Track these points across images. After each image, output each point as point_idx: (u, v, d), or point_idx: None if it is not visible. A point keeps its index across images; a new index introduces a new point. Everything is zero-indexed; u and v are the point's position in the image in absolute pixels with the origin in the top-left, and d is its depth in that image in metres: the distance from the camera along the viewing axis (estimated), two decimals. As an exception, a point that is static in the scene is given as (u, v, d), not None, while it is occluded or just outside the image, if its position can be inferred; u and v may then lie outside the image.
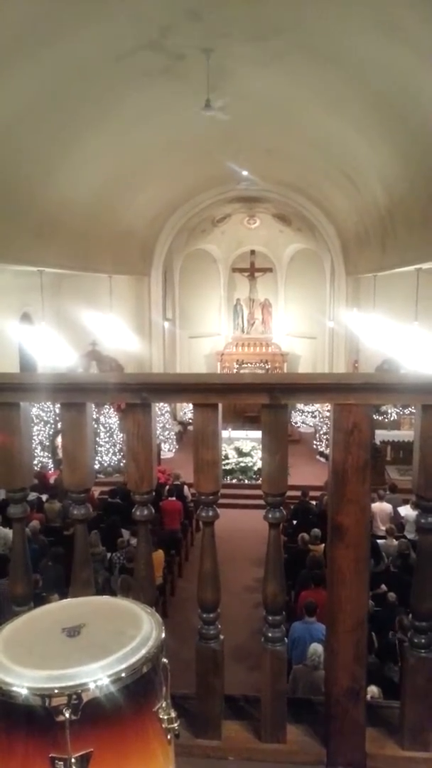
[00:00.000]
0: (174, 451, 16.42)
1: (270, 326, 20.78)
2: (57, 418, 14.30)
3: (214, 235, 19.90)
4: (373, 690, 4.55)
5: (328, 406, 1.87)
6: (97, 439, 14.56)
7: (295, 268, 20.12)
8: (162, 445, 15.71)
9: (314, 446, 16.36)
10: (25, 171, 8.93)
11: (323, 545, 8.09)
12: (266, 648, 1.97)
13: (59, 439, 13.98)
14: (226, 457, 14.44)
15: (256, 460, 14.48)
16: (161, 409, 15.58)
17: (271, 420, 1.86)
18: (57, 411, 14.12)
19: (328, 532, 1.90)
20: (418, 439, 1.83)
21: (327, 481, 2.08)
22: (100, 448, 14.75)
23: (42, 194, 9.89)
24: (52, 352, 13.16)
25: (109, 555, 8.29)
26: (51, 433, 14.54)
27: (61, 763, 0.98)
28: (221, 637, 2.01)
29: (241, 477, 14.65)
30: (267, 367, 19.52)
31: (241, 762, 1.94)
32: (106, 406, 14.91)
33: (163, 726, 1.10)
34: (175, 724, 1.11)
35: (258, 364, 19.60)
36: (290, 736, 1.98)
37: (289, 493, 2.00)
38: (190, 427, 15.91)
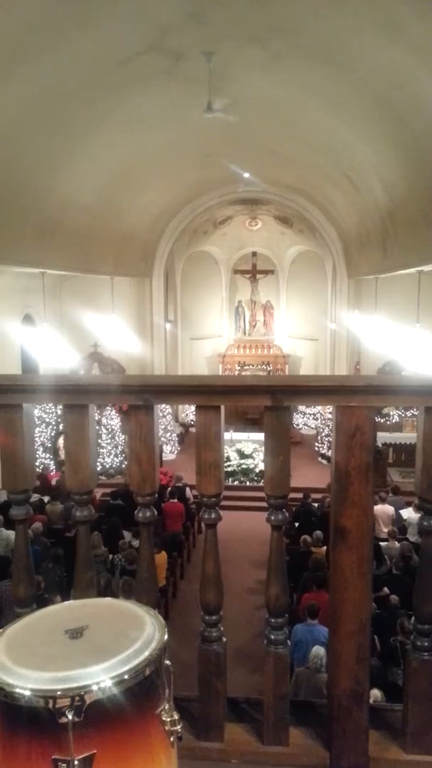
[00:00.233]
0: (176, 452, 16.42)
1: (271, 328, 20.78)
2: (59, 420, 14.32)
3: (215, 237, 19.92)
4: (375, 693, 4.54)
5: (330, 408, 1.87)
6: (99, 440, 14.57)
7: (297, 270, 20.13)
8: (164, 446, 15.71)
9: (316, 448, 16.35)
10: (27, 173, 8.95)
11: (325, 547, 8.08)
12: (269, 650, 1.97)
13: (61, 441, 14.00)
14: (228, 459, 14.43)
15: (258, 462, 14.47)
16: (163, 411, 15.58)
17: (273, 422, 1.86)
18: (59, 412, 14.16)
19: (331, 534, 1.90)
20: (421, 442, 1.83)
21: (329, 484, 2.08)
22: (101, 450, 14.76)
23: (44, 196, 9.91)
24: (54, 354, 13.17)
25: (111, 557, 8.29)
26: (53, 434, 14.55)
27: (64, 765, 0.98)
28: (224, 639, 2.01)
29: (242, 479, 14.64)
30: (269, 369, 19.52)
31: (243, 764, 1.94)
32: (107, 407, 14.92)
33: (166, 728, 1.10)
34: (178, 727, 1.11)
35: (259, 366, 19.59)
36: (293, 739, 1.97)
37: (291, 495, 2.00)
38: (192, 429, 15.92)
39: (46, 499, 10.61)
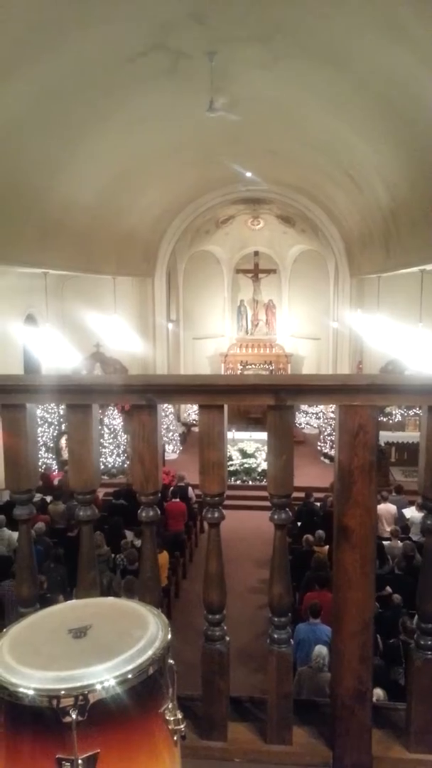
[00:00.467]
0: (178, 452, 16.42)
1: (274, 327, 20.77)
2: (61, 419, 14.35)
3: (217, 237, 19.92)
4: (378, 693, 4.54)
5: (332, 407, 1.87)
6: (101, 440, 14.58)
7: (299, 269, 20.11)
8: (166, 446, 15.72)
9: (318, 447, 16.34)
10: (29, 173, 8.96)
11: (327, 547, 8.07)
12: (272, 650, 1.97)
13: (63, 440, 14.02)
14: (230, 459, 14.42)
15: (260, 461, 14.47)
16: (165, 411, 15.59)
17: (276, 421, 1.86)
18: (61, 412, 14.19)
19: (334, 533, 1.90)
20: (425, 441, 1.83)
21: (332, 483, 2.08)
22: (104, 450, 14.77)
23: (46, 196, 9.91)
24: (56, 354, 13.18)
25: (113, 556, 8.30)
26: (55, 434, 14.57)
27: (68, 764, 0.98)
28: (227, 638, 2.01)
29: (245, 478, 14.64)
30: (271, 368, 19.51)
31: (246, 764, 1.94)
32: (110, 407, 14.93)
33: (170, 727, 1.10)
34: (181, 726, 1.11)
35: (262, 365, 19.59)
36: (296, 738, 1.98)
37: (294, 494, 2.00)
38: (194, 428, 15.91)
39: (48, 498, 10.63)
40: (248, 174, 13.83)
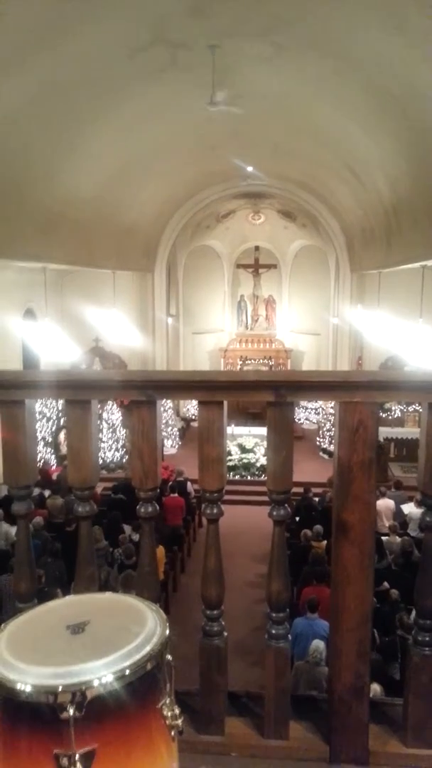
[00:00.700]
0: (177, 447, 16.44)
1: (274, 322, 20.76)
2: (59, 414, 14.35)
3: (218, 231, 19.87)
4: (375, 688, 4.56)
5: (332, 403, 1.87)
6: (100, 435, 14.59)
7: (300, 265, 20.08)
8: (165, 441, 15.73)
9: (317, 443, 16.36)
10: (29, 168, 8.92)
11: (325, 542, 8.09)
12: (270, 645, 1.98)
13: (62, 435, 14.03)
14: (229, 454, 14.44)
15: (259, 457, 14.49)
16: (164, 406, 15.58)
17: (276, 417, 1.86)
18: (60, 407, 14.18)
19: (333, 529, 1.90)
20: (425, 438, 1.83)
21: (330, 478, 2.08)
22: (102, 444, 14.78)
23: (46, 191, 9.88)
24: (56, 349, 13.17)
25: (111, 550, 8.31)
26: (54, 428, 14.57)
27: (66, 759, 0.98)
28: (225, 633, 2.02)
29: (243, 473, 14.66)
30: (271, 363, 19.51)
31: (243, 758, 1.95)
32: (108, 402, 14.93)
33: (167, 722, 1.10)
34: (179, 721, 1.11)
35: (262, 361, 19.58)
36: (293, 733, 1.98)
37: (293, 489, 2.00)
38: (193, 423, 15.93)
39: (46, 493, 10.64)
40: (249, 168, 13.78)
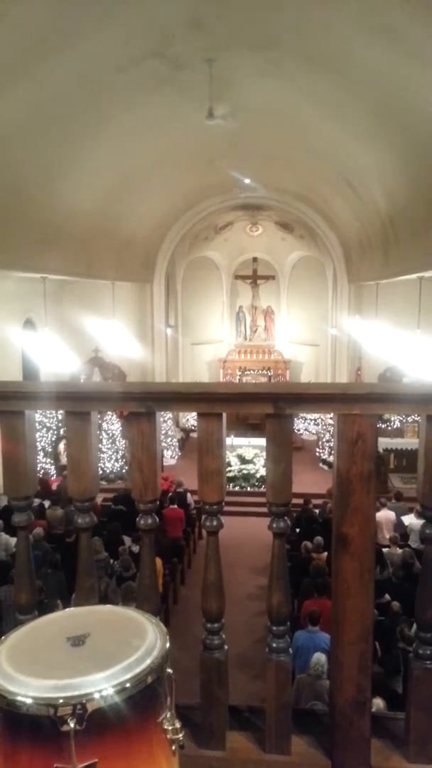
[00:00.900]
0: (176, 457, 16.41)
1: (272, 333, 20.81)
2: (59, 424, 14.32)
3: (216, 243, 19.97)
4: (378, 703, 4.51)
5: (331, 414, 1.87)
6: (100, 446, 14.56)
7: (298, 276, 20.16)
8: (164, 451, 15.70)
9: (317, 454, 16.33)
10: (28, 179, 8.99)
11: (326, 553, 8.05)
12: (270, 658, 1.96)
13: (62, 445, 14.00)
14: (229, 465, 14.41)
15: (259, 467, 14.45)
16: (163, 416, 15.58)
17: (275, 429, 1.86)
18: (60, 417, 14.16)
19: (333, 542, 1.89)
20: (423, 450, 1.83)
21: (330, 489, 2.08)
22: (102, 455, 14.75)
23: (45, 202, 9.94)
24: (55, 359, 13.18)
25: (111, 561, 8.27)
26: (53, 439, 14.55)
27: (66, 773, 0.98)
28: (225, 647, 2.01)
29: (243, 484, 14.61)
30: (269, 374, 19.52)
31: (244, 773, 1.93)
32: (108, 412, 14.92)
33: (168, 737, 1.10)
34: (180, 735, 1.11)
35: (260, 371, 19.60)
36: (295, 748, 1.97)
37: (293, 501, 2.00)
38: (193, 434, 15.91)
39: (46, 503, 10.60)
40: (247, 180, 13.88)
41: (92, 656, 1.08)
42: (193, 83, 7.87)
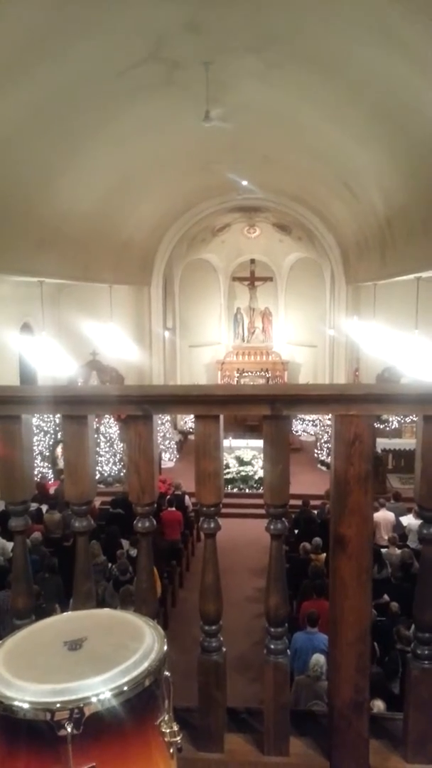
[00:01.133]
0: (174, 460, 16.40)
1: (270, 335, 20.82)
2: (57, 428, 14.30)
3: (214, 245, 19.99)
4: (378, 705, 4.50)
5: (329, 415, 1.87)
6: (98, 449, 14.55)
7: (295, 277, 20.19)
8: (162, 454, 15.69)
9: (315, 455, 16.34)
10: (25, 182, 8.99)
11: (324, 555, 8.05)
12: (268, 660, 1.96)
13: (59, 449, 13.98)
14: (227, 466, 14.40)
15: (257, 469, 14.45)
16: (161, 419, 15.58)
17: (272, 431, 1.86)
18: (57, 421, 14.15)
19: (330, 543, 1.90)
20: (420, 450, 1.83)
21: (327, 490, 2.08)
22: (100, 458, 14.73)
23: (42, 205, 9.95)
24: (53, 363, 13.17)
25: (109, 565, 8.25)
26: (51, 443, 14.53)
27: (64, 777, 0.98)
28: (223, 649, 2.00)
29: (242, 486, 14.61)
30: (267, 375, 19.53)
31: (244, 775, 1.93)
32: (106, 416, 14.91)
33: (166, 739, 1.10)
34: (178, 738, 1.11)
35: (258, 373, 19.61)
36: (293, 749, 1.96)
37: (291, 502, 2.00)
38: (191, 437, 15.91)
39: (44, 508, 10.58)
40: (244, 182, 13.90)
41: (89, 660, 1.07)
42: (190, 85, 7.89)
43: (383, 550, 8.78)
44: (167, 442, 16.30)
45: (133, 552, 8.03)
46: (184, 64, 7.43)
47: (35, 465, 13.37)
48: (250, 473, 14.70)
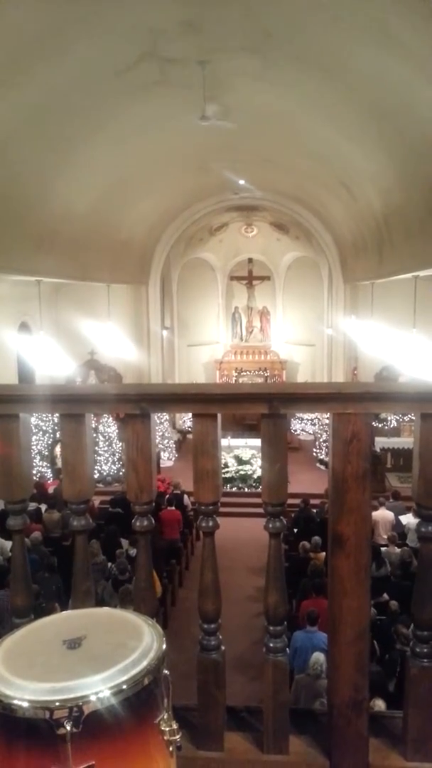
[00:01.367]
0: (173, 459, 16.40)
1: (268, 334, 20.83)
2: (55, 428, 14.30)
3: (211, 244, 19.99)
4: (379, 704, 4.51)
5: (327, 414, 1.88)
6: (96, 448, 14.54)
7: (293, 276, 20.20)
8: (161, 453, 15.69)
9: (314, 454, 16.35)
10: (23, 182, 8.98)
11: (324, 553, 8.06)
12: (268, 658, 1.97)
13: (58, 449, 13.96)
14: (226, 465, 14.41)
15: (256, 468, 14.46)
16: (160, 418, 15.57)
17: (270, 429, 1.86)
18: (56, 420, 14.14)
19: (329, 541, 1.90)
20: (418, 448, 1.83)
21: (326, 489, 2.08)
22: (99, 458, 14.73)
23: (40, 205, 9.94)
24: (51, 362, 13.17)
25: (109, 565, 8.25)
26: (50, 442, 14.52)
27: (63, 776, 0.98)
28: (223, 647, 2.01)
29: (240, 485, 14.61)
30: (266, 374, 19.54)
31: (243, 774, 1.93)
32: (105, 415, 14.91)
33: (165, 738, 1.10)
34: (177, 736, 1.11)
35: (257, 372, 19.62)
36: (293, 748, 1.97)
37: (290, 501, 2.00)
38: (190, 436, 15.91)
39: (43, 507, 10.58)
40: (242, 182, 13.91)
41: (88, 658, 1.07)
42: (186, 85, 7.89)
43: (382, 549, 8.79)
44: (166, 441, 16.30)
45: (133, 551, 8.03)
46: (180, 63, 7.43)
47: (34, 464, 13.40)
48: (249, 472, 14.71)
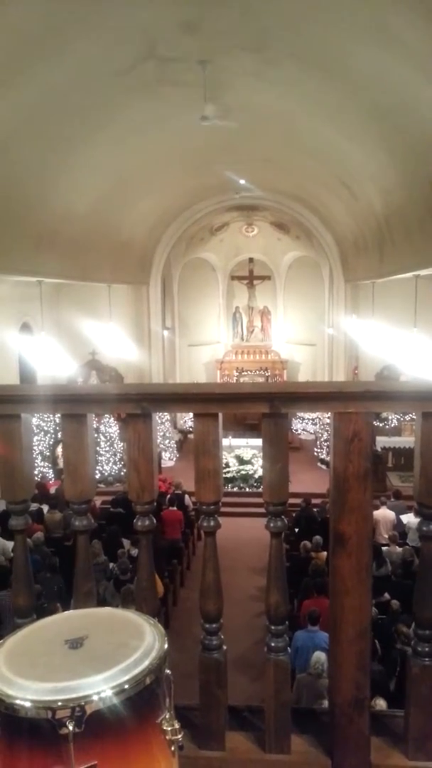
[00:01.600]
0: (175, 459, 16.40)
1: (269, 334, 20.82)
2: (57, 428, 14.31)
3: (212, 244, 19.98)
4: (380, 704, 4.51)
5: (328, 414, 1.88)
6: (98, 448, 14.55)
7: (294, 276, 20.19)
8: (162, 453, 15.69)
9: (315, 453, 16.34)
10: (24, 183, 8.99)
11: (325, 553, 8.06)
12: (269, 658, 1.97)
13: (59, 449, 13.97)
14: (227, 465, 14.41)
15: (257, 468, 14.45)
16: (161, 418, 15.57)
17: (271, 429, 1.87)
18: (57, 421, 14.15)
19: (330, 540, 1.90)
20: (419, 447, 1.84)
21: (328, 489, 2.08)
22: (100, 458, 14.74)
23: (41, 205, 9.94)
24: (52, 362, 13.17)
25: (111, 565, 8.26)
26: (51, 442, 14.53)
27: (65, 776, 0.98)
28: (224, 647, 2.01)
29: (242, 485, 14.61)
30: (267, 374, 19.53)
31: (245, 773, 1.93)
32: (106, 415, 14.91)
33: (167, 737, 1.10)
34: (179, 736, 1.11)
35: (258, 372, 19.61)
36: (295, 747, 1.97)
37: (291, 500, 2.00)
38: (191, 436, 15.90)
39: (45, 508, 10.58)
40: (242, 181, 13.90)
41: (90, 658, 1.08)
42: (186, 85, 7.88)
43: (384, 548, 8.79)
44: (167, 441, 16.30)
45: (134, 551, 8.04)
46: (180, 63, 7.42)
47: (36, 465, 13.40)
48: (250, 472, 14.70)
